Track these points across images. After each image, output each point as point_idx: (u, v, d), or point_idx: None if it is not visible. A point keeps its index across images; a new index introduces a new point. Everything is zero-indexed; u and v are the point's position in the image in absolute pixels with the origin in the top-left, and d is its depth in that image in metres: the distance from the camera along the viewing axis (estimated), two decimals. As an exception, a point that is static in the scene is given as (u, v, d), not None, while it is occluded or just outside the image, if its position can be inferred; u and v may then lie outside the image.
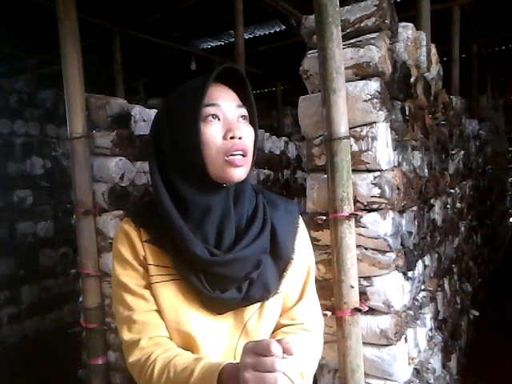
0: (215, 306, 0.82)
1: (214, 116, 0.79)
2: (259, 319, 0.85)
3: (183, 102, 0.80)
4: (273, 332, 0.89)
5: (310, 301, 0.90)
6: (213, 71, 0.79)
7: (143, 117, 2.10)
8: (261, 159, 3.31)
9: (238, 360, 0.85)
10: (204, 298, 0.81)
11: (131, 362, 0.79)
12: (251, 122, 0.83)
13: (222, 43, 4.96)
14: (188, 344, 0.82)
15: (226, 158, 0.77)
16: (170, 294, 0.81)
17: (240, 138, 0.78)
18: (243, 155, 0.78)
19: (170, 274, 0.81)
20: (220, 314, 0.83)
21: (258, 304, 0.85)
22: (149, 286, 0.81)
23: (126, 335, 0.81)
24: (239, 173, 0.78)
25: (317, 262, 1.45)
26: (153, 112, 2.17)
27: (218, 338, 0.84)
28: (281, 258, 0.85)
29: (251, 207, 0.85)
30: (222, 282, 0.80)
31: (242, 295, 0.81)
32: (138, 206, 0.96)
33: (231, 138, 0.77)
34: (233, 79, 0.82)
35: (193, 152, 0.78)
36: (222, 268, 0.79)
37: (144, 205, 0.96)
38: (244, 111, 0.82)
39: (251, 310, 0.85)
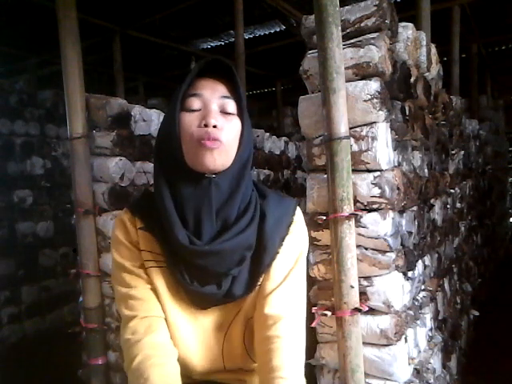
0: (197, 300, 0.83)
1: (194, 106, 0.80)
2: (245, 316, 0.86)
3: (173, 95, 0.82)
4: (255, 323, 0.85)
5: (290, 287, 0.85)
6: (197, 63, 0.80)
7: (143, 117, 2.10)
8: (261, 159, 3.30)
9: (225, 354, 0.86)
10: (186, 290, 0.82)
11: (124, 338, 0.82)
12: (240, 116, 0.82)
13: (222, 43, 4.96)
14: (171, 332, 0.84)
15: (199, 142, 0.77)
16: (160, 279, 0.83)
17: (215, 127, 0.77)
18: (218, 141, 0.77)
19: (161, 261, 0.83)
20: (203, 309, 0.84)
21: (242, 301, 0.85)
22: (143, 267, 0.84)
23: (124, 311, 0.83)
24: (211, 157, 0.77)
25: (317, 262, 1.45)
26: (153, 112, 2.17)
27: (203, 331, 0.85)
28: (265, 251, 0.83)
29: (244, 204, 0.83)
30: (201, 275, 0.80)
31: (224, 291, 0.81)
32: (137, 197, 0.99)
33: (204, 125, 0.77)
34: (222, 72, 0.82)
35: (171, 140, 0.79)
36: (201, 259, 0.78)
37: (142, 195, 0.98)
38: (229, 103, 0.81)
39: (236, 308, 0.85)
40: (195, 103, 0.80)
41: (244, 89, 3.41)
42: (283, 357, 0.78)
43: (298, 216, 0.90)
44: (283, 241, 0.85)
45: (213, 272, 0.79)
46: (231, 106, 0.81)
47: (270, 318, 0.81)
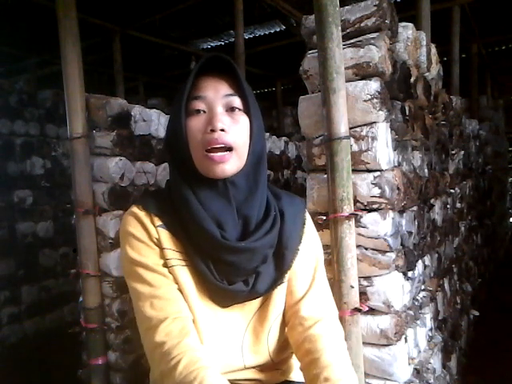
0: (222, 298, 0.82)
1: (199, 109, 0.78)
2: (265, 312, 0.86)
3: (176, 97, 0.81)
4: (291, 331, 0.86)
5: (320, 288, 0.89)
6: (198, 62, 0.79)
7: (143, 117, 2.10)
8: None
9: (244, 352, 0.86)
10: (212, 288, 0.81)
11: (157, 341, 0.75)
12: (247, 112, 0.80)
13: (222, 43, 4.96)
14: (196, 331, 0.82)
15: (206, 152, 0.76)
16: (185, 277, 0.81)
17: (223, 130, 0.76)
18: (227, 149, 0.76)
19: (184, 259, 0.82)
20: (226, 307, 0.84)
21: (263, 298, 0.85)
22: (166, 265, 0.81)
23: (149, 312, 0.78)
24: (222, 169, 0.76)
25: (317, 262, 1.45)
26: (153, 112, 2.17)
27: (223, 329, 0.84)
28: (287, 248, 0.84)
29: (264, 203, 0.84)
30: (229, 273, 0.80)
31: (249, 289, 0.81)
32: (147, 194, 0.96)
33: (211, 130, 0.76)
34: (223, 69, 0.80)
35: (181, 147, 0.78)
36: (232, 255, 0.78)
37: (153, 193, 0.96)
38: (235, 100, 0.79)
39: (257, 304, 0.86)
40: (200, 106, 0.78)
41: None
42: (331, 354, 0.79)
43: (308, 213, 0.94)
44: (301, 238, 0.88)
45: (241, 269, 0.80)
46: (237, 102, 0.79)
47: (309, 319, 0.83)
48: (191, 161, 0.78)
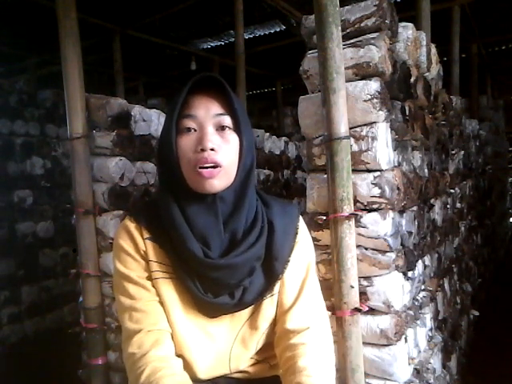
0: (208, 309, 0.83)
1: (190, 128, 0.79)
2: (255, 322, 0.86)
3: (167, 114, 0.83)
4: (278, 339, 0.86)
5: (309, 299, 0.88)
6: (189, 81, 0.79)
7: (143, 117, 2.10)
8: (261, 159, 3.30)
9: (232, 360, 0.87)
10: (198, 300, 0.82)
11: (129, 352, 0.80)
12: (238, 131, 0.81)
13: (222, 43, 4.96)
14: (180, 342, 0.83)
15: (197, 169, 0.77)
16: (169, 290, 0.82)
17: (213, 150, 0.77)
18: (215, 166, 0.77)
19: (169, 272, 0.83)
20: (213, 318, 0.84)
21: (252, 308, 0.85)
22: (150, 278, 0.83)
23: (127, 323, 0.81)
24: (211, 184, 0.77)
25: (317, 262, 1.45)
26: (153, 112, 2.17)
27: (211, 339, 0.85)
28: (277, 260, 0.85)
29: (251, 215, 0.84)
30: (214, 286, 0.81)
31: (235, 301, 0.81)
32: (139, 206, 0.98)
33: (202, 149, 0.77)
34: (215, 87, 0.81)
35: (171, 164, 0.80)
36: (214, 272, 0.79)
37: (145, 205, 0.98)
38: (226, 120, 0.80)
39: (246, 315, 0.86)
40: (190, 124, 0.79)
41: (244, 91, 3.41)
42: (309, 359, 0.79)
43: (302, 222, 0.93)
44: (292, 249, 0.88)
45: (225, 283, 0.80)
46: (227, 121, 0.80)
47: (295, 331, 0.83)
48: (182, 177, 0.79)
